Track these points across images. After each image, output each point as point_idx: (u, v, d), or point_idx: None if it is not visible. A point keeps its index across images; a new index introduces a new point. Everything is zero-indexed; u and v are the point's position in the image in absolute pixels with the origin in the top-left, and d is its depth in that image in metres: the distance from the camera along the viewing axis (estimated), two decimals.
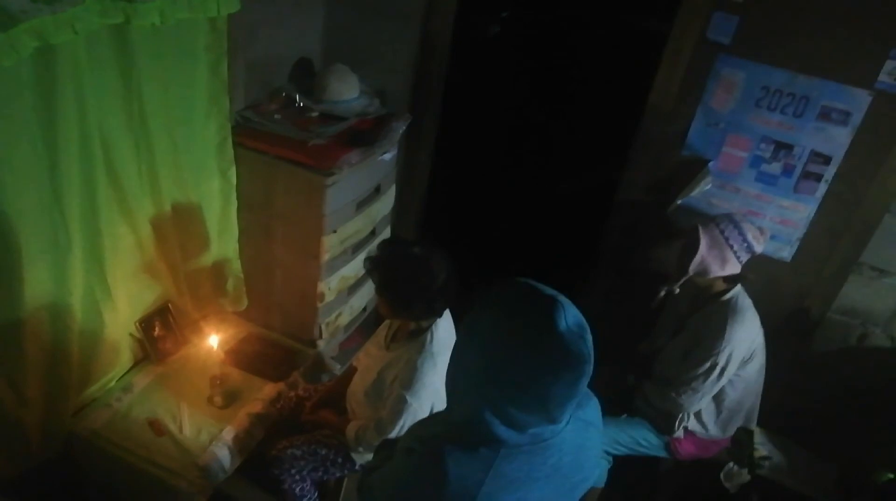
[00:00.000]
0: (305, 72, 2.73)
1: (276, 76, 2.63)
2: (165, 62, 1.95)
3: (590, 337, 1.06)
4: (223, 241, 2.46)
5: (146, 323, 2.29)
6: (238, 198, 2.40)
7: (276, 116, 2.42)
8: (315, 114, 2.49)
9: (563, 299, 1.06)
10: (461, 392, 1.15)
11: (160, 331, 2.34)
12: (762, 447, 2.53)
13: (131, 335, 2.28)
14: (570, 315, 1.05)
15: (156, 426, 2.09)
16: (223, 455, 2.06)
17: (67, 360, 1.99)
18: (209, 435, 2.09)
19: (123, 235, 2.09)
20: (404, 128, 2.63)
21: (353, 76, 2.60)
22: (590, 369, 1.06)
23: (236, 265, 2.53)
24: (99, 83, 1.77)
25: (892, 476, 2.43)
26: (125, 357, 2.27)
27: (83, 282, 1.97)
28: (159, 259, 2.27)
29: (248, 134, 2.35)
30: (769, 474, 2.56)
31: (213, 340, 2.21)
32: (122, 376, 2.26)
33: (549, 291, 1.08)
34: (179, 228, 2.27)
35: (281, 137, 2.34)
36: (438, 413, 1.33)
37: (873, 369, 2.68)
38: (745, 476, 2.40)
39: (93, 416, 2.10)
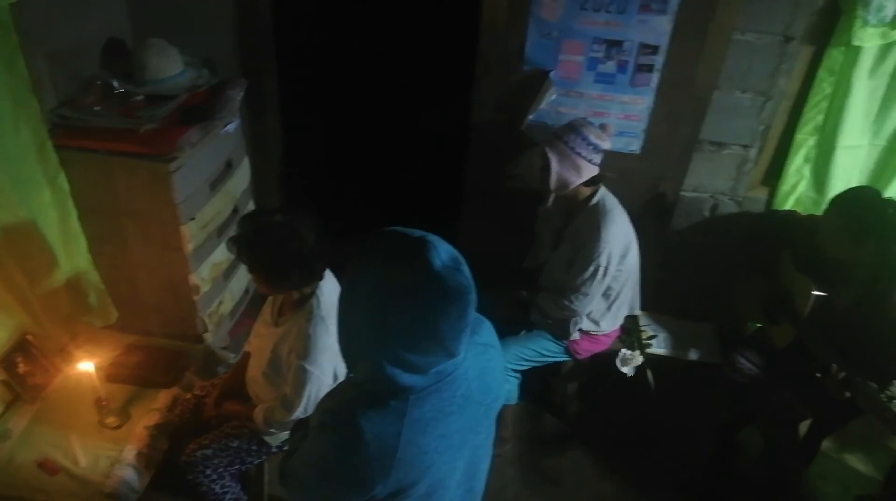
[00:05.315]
0: (118, 54, 2.50)
1: (85, 65, 2.39)
2: None
3: (466, 267, 1.08)
4: (71, 254, 2.25)
5: (7, 362, 2.10)
6: (77, 204, 2.18)
7: (97, 108, 2.22)
8: (139, 97, 2.30)
9: (432, 237, 1.07)
10: (357, 352, 1.15)
11: (25, 367, 2.15)
12: (648, 328, 2.74)
13: None
14: (443, 251, 1.06)
15: (47, 466, 1.95)
16: (129, 475, 1.95)
17: None
18: (109, 460, 1.98)
19: None
20: (242, 94, 2.49)
21: (172, 49, 2.41)
22: (473, 297, 1.08)
23: (94, 277, 2.33)
24: None
25: (759, 325, 2.70)
26: None
27: None
28: (3, 290, 2.06)
29: (69, 134, 2.13)
30: (658, 350, 2.78)
31: (86, 364, 2.05)
32: None
33: (418, 233, 1.08)
34: (17, 251, 2.05)
35: (107, 130, 2.15)
36: (342, 382, 1.33)
37: (729, 233, 2.93)
38: (639, 357, 2.58)
39: None
